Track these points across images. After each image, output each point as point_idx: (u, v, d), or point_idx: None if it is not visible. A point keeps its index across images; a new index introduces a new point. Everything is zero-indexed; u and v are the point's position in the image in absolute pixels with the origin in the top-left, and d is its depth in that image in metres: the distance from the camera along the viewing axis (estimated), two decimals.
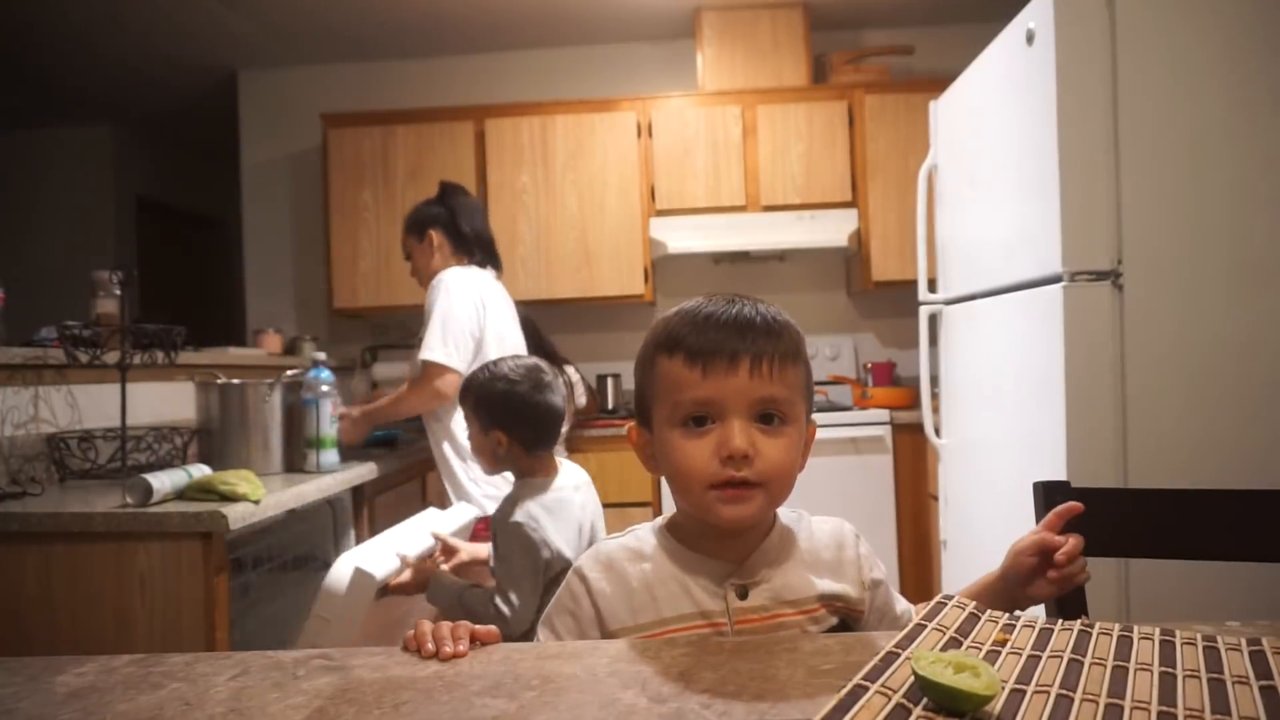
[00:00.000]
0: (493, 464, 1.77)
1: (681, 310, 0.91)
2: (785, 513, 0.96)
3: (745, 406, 0.85)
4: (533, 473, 1.75)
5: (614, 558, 0.93)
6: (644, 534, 0.96)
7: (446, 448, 2.38)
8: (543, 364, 1.83)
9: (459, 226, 2.48)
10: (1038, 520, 1.18)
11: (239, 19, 3.76)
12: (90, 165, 5.09)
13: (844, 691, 0.63)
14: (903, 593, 1.02)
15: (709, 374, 0.85)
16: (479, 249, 2.52)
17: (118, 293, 2.25)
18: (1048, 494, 1.18)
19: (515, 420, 1.72)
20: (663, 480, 0.93)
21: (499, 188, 3.73)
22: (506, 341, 2.46)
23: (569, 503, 1.73)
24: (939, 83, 2.86)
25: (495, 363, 1.80)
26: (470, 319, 2.34)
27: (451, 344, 2.28)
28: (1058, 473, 1.79)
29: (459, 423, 2.33)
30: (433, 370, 2.28)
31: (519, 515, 1.64)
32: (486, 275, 2.51)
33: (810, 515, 0.99)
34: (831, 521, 0.99)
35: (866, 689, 0.64)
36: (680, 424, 0.87)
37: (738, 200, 3.66)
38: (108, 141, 5.11)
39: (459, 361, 2.28)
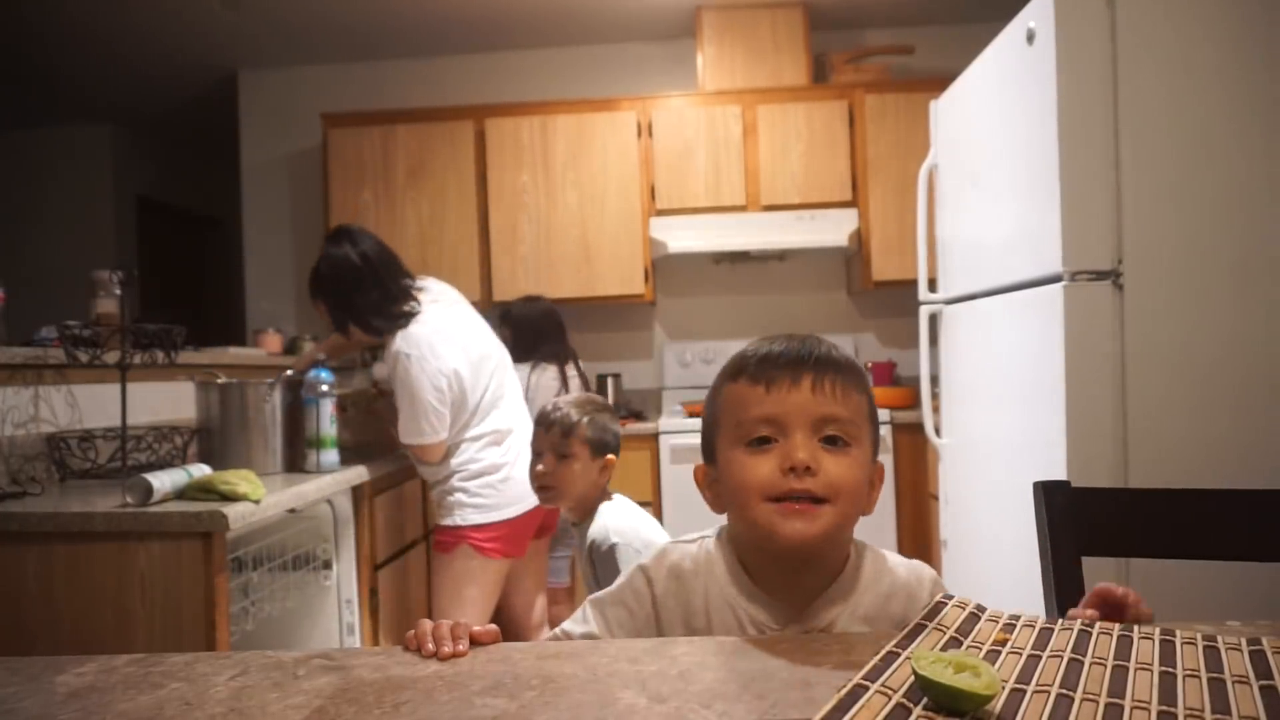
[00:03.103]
0: (595, 491, 1.82)
1: (749, 345, 0.93)
2: (862, 551, 0.93)
3: (808, 423, 0.85)
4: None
5: (683, 570, 0.92)
6: (713, 548, 0.93)
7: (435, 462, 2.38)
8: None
9: (368, 318, 2.27)
10: (1038, 520, 1.19)
11: (239, 19, 3.76)
12: (90, 165, 5.09)
13: (844, 691, 0.63)
14: None
15: (772, 390, 0.86)
16: (398, 313, 2.27)
17: (118, 293, 2.25)
18: (1048, 494, 1.18)
19: (617, 441, 1.86)
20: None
21: (499, 188, 3.74)
22: (490, 361, 2.38)
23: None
24: (939, 82, 2.86)
25: (585, 405, 1.87)
26: (438, 388, 2.23)
27: (425, 422, 2.23)
28: (1058, 473, 1.79)
29: (448, 446, 2.33)
30: (416, 449, 2.29)
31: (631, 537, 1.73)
32: (428, 311, 2.31)
33: (890, 556, 0.94)
34: (909, 566, 0.94)
35: (866, 688, 0.64)
36: (744, 443, 0.87)
37: (738, 200, 3.66)
38: (108, 141, 5.11)
39: (435, 436, 2.25)
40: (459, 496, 2.31)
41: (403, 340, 2.24)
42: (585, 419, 1.81)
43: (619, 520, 1.75)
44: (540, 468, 1.81)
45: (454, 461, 2.33)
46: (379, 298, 2.29)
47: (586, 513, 1.80)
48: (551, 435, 1.80)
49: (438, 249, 3.74)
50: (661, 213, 3.69)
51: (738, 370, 0.90)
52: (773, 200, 3.65)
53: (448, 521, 2.33)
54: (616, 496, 1.85)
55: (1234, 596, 1.66)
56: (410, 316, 2.29)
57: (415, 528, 2.78)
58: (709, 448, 0.94)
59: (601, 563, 1.70)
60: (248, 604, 2.02)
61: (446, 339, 2.29)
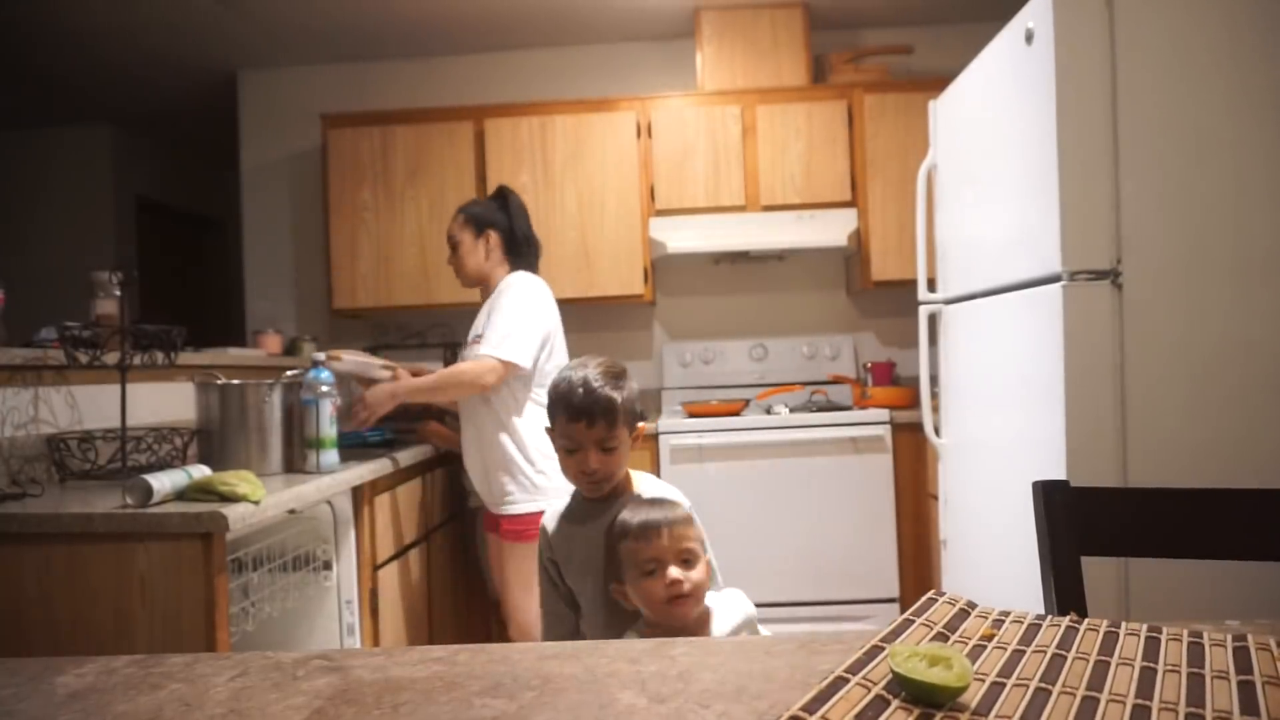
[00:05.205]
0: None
1: (622, 516, 1.47)
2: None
3: (675, 556, 1.40)
4: None
5: None
6: None
7: (505, 439, 2.45)
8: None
9: (515, 233, 2.61)
10: (1037, 520, 1.19)
11: (238, 19, 3.76)
12: (90, 165, 5.09)
13: (825, 682, 0.64)
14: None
15: (652, 541, 1.42)
16: (527, 255, 2.63)
17: (117, 293, 2.25)
18: (1047, 494, 1.18)
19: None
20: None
21: None
22: (560, 339, 2.60)
23: None
24: (939, 82, 2.86)
25: (615, 377, 1.80)
26: (545, 322, 2.49)
27: (520, 337, 2.40)
28: (1058, 473, 1.79)
29: (523, 415, 2.43)
30: (506, 367, 2.38)
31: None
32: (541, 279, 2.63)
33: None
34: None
35: (848, 680, 0.65)
36: (643, 574, 1.43)
37: (737, 200, 3.66)
38: (108, 141, 5.11)
39: (519, 357, 2.39)
40: (540, 480, 2.39)
41: (521, 276, 2.54)
42: (622, 396, 1.61)
43: (665, 486, 1.68)
44: (593, 465, 1.59)
45: (526, 435, 2.41)
46: (524, 232, 2.64)
47: (615, 490, 1.66)
48: (596, 430, 1.58)
49: (438, 249, 3.74)
50: (661, 213, 3.69)
51: (622, 535, 1.45)
52: (772, 200, 3.65)
53: (522, 509, 2.39)
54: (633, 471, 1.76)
55: (1234, 596, 1.66)
56: (524, 266, 2.61)
57: (415, 528, 2.78)
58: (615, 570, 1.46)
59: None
60: (248, 605, 2.01)
61: (551, 299, 2.59)
